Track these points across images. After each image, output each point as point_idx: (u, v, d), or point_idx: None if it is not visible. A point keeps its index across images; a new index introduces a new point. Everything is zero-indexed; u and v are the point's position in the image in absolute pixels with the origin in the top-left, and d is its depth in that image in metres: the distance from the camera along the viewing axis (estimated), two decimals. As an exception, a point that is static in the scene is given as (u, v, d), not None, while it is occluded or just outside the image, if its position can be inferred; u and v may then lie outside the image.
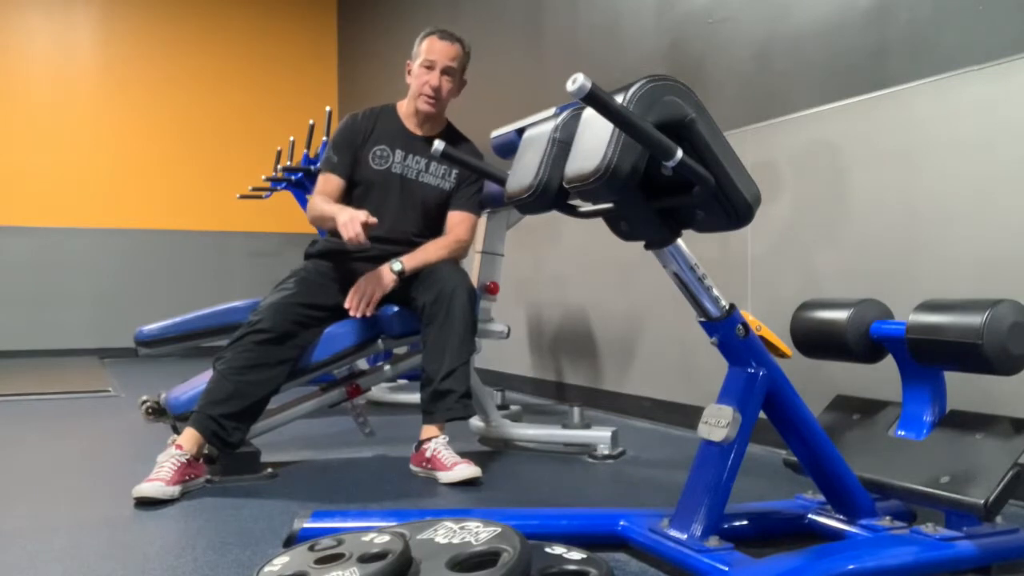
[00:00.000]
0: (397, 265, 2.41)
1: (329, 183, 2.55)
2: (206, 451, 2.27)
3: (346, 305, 2.37)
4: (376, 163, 2.56)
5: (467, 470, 2.19)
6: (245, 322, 2.30)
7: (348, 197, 2.59)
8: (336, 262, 2.48)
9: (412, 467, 2.32)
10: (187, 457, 2.11)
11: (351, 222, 2.28)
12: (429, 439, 2.29)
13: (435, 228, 2.61)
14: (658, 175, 1.35)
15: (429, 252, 2.49)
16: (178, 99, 6.80)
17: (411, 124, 2.61)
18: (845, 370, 1.94)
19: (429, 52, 2.55)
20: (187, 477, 2.09)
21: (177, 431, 2.37)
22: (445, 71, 2.54)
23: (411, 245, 2.51)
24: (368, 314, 2.37)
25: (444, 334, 2.32)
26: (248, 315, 2.34)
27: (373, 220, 2.30)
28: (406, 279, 2.43)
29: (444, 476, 2.19)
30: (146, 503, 1.97)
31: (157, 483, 2.00)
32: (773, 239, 2.66)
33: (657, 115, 1.31)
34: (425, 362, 2.35)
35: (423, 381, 2.36)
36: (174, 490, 2.02)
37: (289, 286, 2.38)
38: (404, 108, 2.64)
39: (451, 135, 2.63)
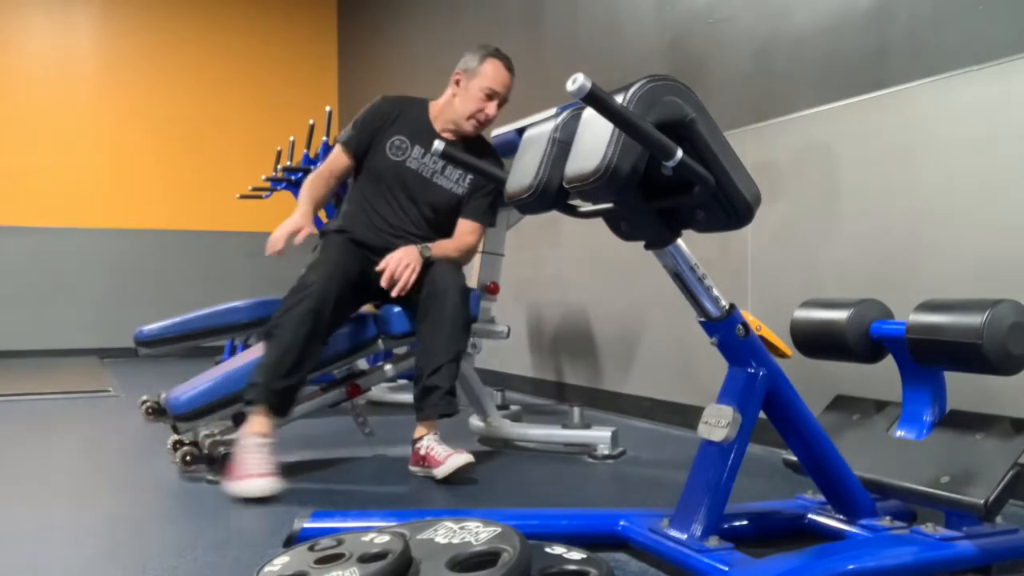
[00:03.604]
0: (427, 252, 2.40)
1: (339, 159, 2.56)
2: (206, 451, 2.27)
3: (384, 283, 2.33)
4: (392, 152, 2.52)
5: (459, 459, 2.18)
6: (295, 289, 2.25)
7: (355, 181, 2.58)
8: (364, 239, 2.49)
9: (411, 468, 2.32)
10: (271, 442, 2.12)
11: (279, 230, 2.32)
12: (421, 437, 2.30)
13: (440, 229, 2.57)
14: (658, 175, 1.35)
15: (447, 248, 2.49)
16: (178, 99, 6.80)
17: (438, 125, 2.57)
18: (845, 370, 1.94)
19: (494, 81, 2.49)
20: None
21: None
22: (502, 101, 2.53)
23: (412, 241, 2.50)
24: (403, 292, 2.33)
25: (435, 331, 2.32)
26: (248, 315, 2.34)
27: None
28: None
29: (439, 471, 2.19)
30: (253, 500, 1.98)
31: (267, 479, 2.01)
32: (773, 239, 2.66)
33: (657, 115, 1.31)
34: (417, 359, 2.36)
35: (415, 378, 2.36)
36: (277, 482, 2.04)
37: (331, 256, 2.37)
38: (438, 111, 2.58)
39: (474, 142, 2.59)
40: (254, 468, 2.04)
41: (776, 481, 2.12)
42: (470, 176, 2.56)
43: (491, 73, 2.50)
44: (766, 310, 2.60)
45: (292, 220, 2.38)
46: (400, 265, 2.33)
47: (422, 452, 2.26)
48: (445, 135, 2.56)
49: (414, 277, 2.34)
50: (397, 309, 2.47)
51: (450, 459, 2.19)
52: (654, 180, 1.36)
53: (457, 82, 2.54)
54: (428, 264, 2.39)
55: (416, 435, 2.31)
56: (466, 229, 2.56)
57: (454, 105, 2.54)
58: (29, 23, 6.46)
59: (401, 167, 2.53)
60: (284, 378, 2.17)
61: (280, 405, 2.18)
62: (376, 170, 2.54)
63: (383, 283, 2.33)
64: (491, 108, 2.51)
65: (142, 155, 6.68)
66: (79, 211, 6.49)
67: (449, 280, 2.35)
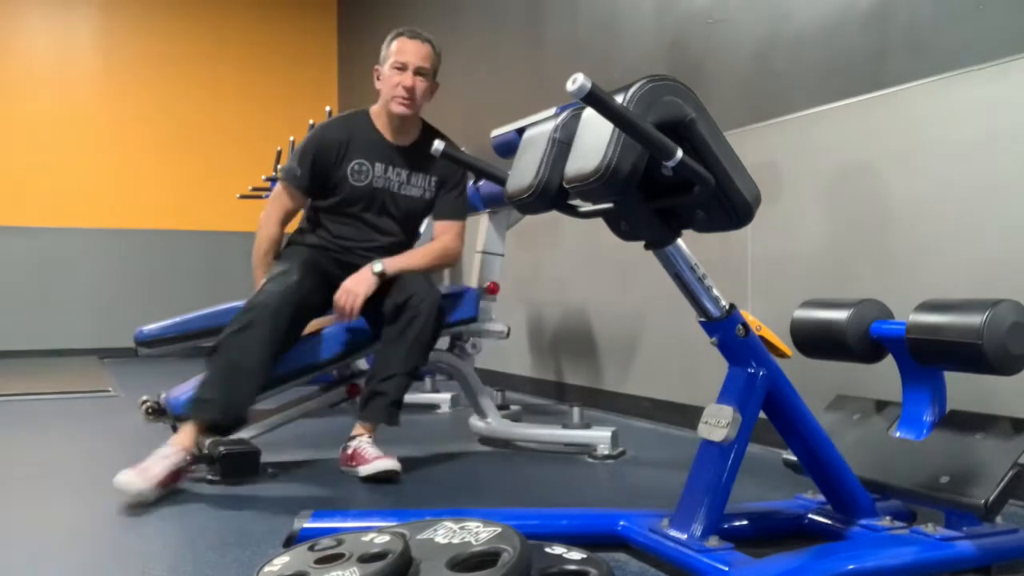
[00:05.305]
0: (378, 266, 2.36)
1: (293, 200, 2.49)
2: (206, 451, 2.27)
3: (336, 314, 2.36)
4: (355, 179, 2.46)
5: (386, 463, 2.19)
6: (249, 306, 2.25)
7: (317, 208, 2.51)
8: (325, 260, 2.47)
9: (342, 468, 2.31)
10: (188, 458, 2.12)
11: None
12: (355, 437, 2.31)
13: (415, 232, 2.62)
14: (658, 175, 1.35)
15: (413, 258, 2.47)
16: (178, 99, 6.80)
17: (388, 132, 2.51)
18: (845, 370, 1.94)
19: (400, 53, 2.45)
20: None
21: (177, 431, 2.37)
22: (418, 71, 2.45)
23: (388, 254, 2.48)
24: (353, 318, 2.34)
25: (397, 341, 2.31)
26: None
27: None
28: (383, 283, 2.39)
29: (363, 469, 2.19)
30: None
31: (148, 481, 2.00)
32: (773, 239, 2.66)
33: (657, 115, 1.31)
34: (374, 360, 2.38)
35: (366, 378, 2.38)
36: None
37: (294, 275, 2.34)
38: (378, 114, 2.53)
39: (429, 136, 2.52)
40: (156, 470, 2.01)
41: (776, 481, 2.12)
42: (435, 177, 2.54)
43: (397, 48, 2.46)
44: (766, 310, 2.60)
45: None
46: (347, 297, 2.32)
47: (350, 451, 2.28)
48: (395, 140, 2.51)
49: (360, 302, 2.31)
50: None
51: (377, 461, 2.20)
52: (654, 180, 1.36)
53: (377, 77, 2.51)
54: (388, 278, 2.37)
55: (353, 433, 2.32)
56: (443, 228, 2.54)
57: (382, 97, 2.49)
58: (29, 23, 6.46)
59: (369, 189, 2.48)
60: (237, 402, 2.18)
61: (228, 426, 2.19)
62: (342, 198, 2.48)
63: (336, 319, 2.37)
64: (406, 79, 2.43)
65: (142, 155, 6.68)
66: (79, 211, 6.50)
67: (428, 297, 2.33)
